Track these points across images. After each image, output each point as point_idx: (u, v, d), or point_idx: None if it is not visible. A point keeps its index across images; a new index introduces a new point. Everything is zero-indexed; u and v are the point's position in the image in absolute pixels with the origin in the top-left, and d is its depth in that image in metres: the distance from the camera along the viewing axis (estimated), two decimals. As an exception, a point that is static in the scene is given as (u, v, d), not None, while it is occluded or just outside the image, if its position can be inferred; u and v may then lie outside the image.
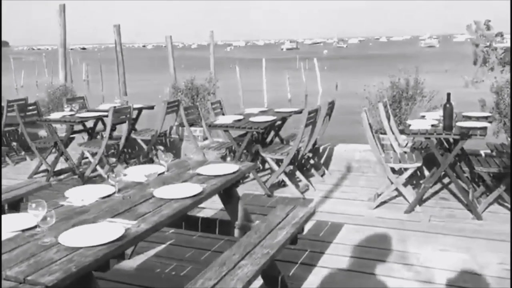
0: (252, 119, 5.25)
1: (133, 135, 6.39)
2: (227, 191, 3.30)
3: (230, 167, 3.26)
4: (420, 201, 4.62)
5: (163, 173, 3.26)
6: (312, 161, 5.94)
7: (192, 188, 2.83)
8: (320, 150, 6.13)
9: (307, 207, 3.49)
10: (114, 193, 2.82)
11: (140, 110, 6.62)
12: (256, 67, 24.27)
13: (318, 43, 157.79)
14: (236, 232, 3.30)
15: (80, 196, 2.76)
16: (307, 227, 4.21)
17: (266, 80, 24.03)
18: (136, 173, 3.17)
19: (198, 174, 3.18)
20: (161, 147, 6.64)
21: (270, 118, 5.29)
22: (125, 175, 3.22)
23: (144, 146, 6.37)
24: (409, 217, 4.41)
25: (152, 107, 6.72)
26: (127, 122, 5.75)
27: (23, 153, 7.01)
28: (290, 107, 6.11)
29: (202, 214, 4.37)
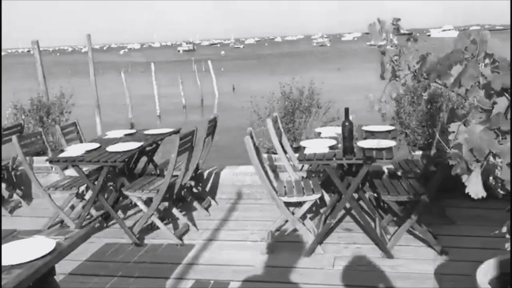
0: (110, 148, 4.09)
1: (-41, 173, 4.89)
2: (39, 284, 2.15)
3: (42, 246, 2.12)
4: (322, 237, 3.82)
5: None
6: (195, 190, 4.93)
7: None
8: (205, 176, 5.13)
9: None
10: None
11: (-30, 138, 5.11)
12: (150, 71, 22.71)
13: (215, 44, 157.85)
14: None
15: None
16: (183, 292, 3.21)
17: (160, 85, 22.53)
18: None
19: (-15, 265, 2.00)
20: (3, 184, 5.20)
21: (134, 145, 4.16)
22: None
23: (-24, 186, 4.89)
24: (309, 262, 3.57)
25: (-13, 134, 5.22)
26: None
27: None
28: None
29: None
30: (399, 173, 4.26)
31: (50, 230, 2.37)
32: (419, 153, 4.71)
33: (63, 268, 3.56)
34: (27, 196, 5.31)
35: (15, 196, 5.23)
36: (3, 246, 2.16)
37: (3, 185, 5.22)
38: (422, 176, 4.03)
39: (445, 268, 3.35)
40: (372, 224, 3.96)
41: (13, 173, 5.32)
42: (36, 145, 4.56)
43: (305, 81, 5.60)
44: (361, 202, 4.26)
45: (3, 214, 4.93)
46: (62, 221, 4.43)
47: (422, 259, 3.50)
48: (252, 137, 3.72)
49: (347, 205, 4.36)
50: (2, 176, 5.17)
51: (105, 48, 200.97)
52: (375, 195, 4.32)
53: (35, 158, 5.28)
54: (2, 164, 5.13)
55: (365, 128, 4.31)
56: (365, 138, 3.99)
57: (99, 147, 4.19)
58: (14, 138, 4.11)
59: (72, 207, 4.59)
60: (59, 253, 2.12)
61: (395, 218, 3.98)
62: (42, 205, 5.10)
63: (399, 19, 2.11)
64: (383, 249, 3.57)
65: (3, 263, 1.99)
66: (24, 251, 2.08)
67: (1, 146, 4.39)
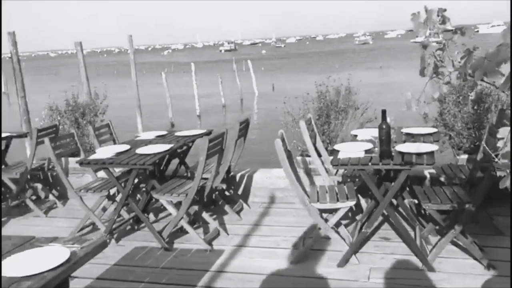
0: (139, 150, 4.03)
1: (-3, 174, 4.98)
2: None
3: (56, 256, 2.04)
4: (357, 246, 3.60)
5: None
6: (227, 193, 4.81)
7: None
8: (237, 179, 5.01)
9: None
10: None
11: (9, 139, 5.21)
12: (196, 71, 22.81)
13: (256, 43, 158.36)
14: None
15: None
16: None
17: (201, 85, 22.65)
18: None
19: (-3, 275, 1.94)
20: (39, 185, 5.27)
21: (163, 147, 4.08)
22: None
23: (13, 187, 4.96)
24: (343, 273, 3.37)
25: (25, 135, 5.32)
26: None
27: None
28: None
29: None
30: (442, 179, 3.97)
31: (68, 238, 2.29)
32: (464, 157, 4.39)
33: (91, 272, 3.53)
34: (63, 197, 5.36)
35: (51, 197, 5.29)
36: (18, 254, 2.10)
37: (39, 186, 5.30)
38: (468, 183, 3.74)
39: (492, 284, 3.07)
40: (412, 233, 3.71)
41: (49, 173, 5.38)
42: (70, 146, 4.57)
43: (344, 80, 5.38)
44: (400, 209, 4.01)
45: (38, 215, 4.98)
46: (93, 223, 4.42)
47: (467, 273, 3.22)
48: (283, 140, 3.55)
49: (385, 212, 4.13)
50: (37, 176, 5.24)
51: (149, 49, 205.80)
52: (416, 201, 4.06)
53: (70, 159, 5.33)
54: (39, 164, 5.20)
55: (405, 130, 4.05)
56: (404, 141, 3.74)
57: (130, 149, 4.13)
58: (46, 140, 4.12)
59: (104, 209, 4.57)
60: (72, 264, 2.03)
61: (437, 227, 3.71)
62: (77, 206, 5.13)
63: (445, 10, 1.88)
64: (424, 261, 3.32)
65: (14, 274, 1.92)
66: (37, 261, 2.00)
67: (0, 150, 4.34)
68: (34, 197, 5.33)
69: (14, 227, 4.75)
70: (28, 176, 5.01)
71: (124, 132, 8.65)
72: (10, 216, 5.00)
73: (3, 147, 5.26)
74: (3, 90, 36.44)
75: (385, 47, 77.60)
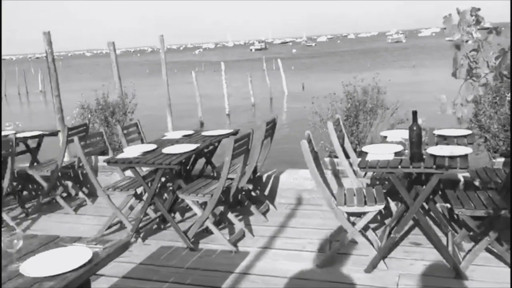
0: (166, 149, 4.03)
1: (29, 171, 5.09)
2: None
3: (79, 256, 2.05)
4: (385, 251, 3.50)
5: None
6: (253, 194, 4.77)
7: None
8: (264, 180, 4.96)
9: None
10: None
11: (41, 137, 5.32)
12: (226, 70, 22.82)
13: (287, 42, 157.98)
14: None
15: None
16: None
17: (231, 84, 22.69)
18: None
19: (20, 275, 1.96)
20: (69, 182, 5.36)
21: (189, 147, 4.07)
22: None
23: (44, 184, 5.06)
24: (370, 279, 3.27)
25: (56, 133, 5.42)
26: (9, 157, 4.44)
27: None
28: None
29: None
30: (476, 183, 3.81)
31: (91, 238, 2.29)
32: (500, 160, 4.20)
33: (116, 271, 3.55)
34: (92, 195, 5.44)
35: (80, 194, 5.38)
36: (42, 254, 2.11)
37: (70, 183, 5.39)
38: (504, 187, 3.57)
39: (530, 295, 2.92)
40: (444, 239, 3.57)
41: (79, 171, 5.47)
42: (99, 145, 4.62)
43: (372, 80, 5.24)
44: (431, 214, 3.88)
45: (68, 212, 5.07)
46: (121, 222, 4.45)
47: (501, 282, 3.08)
48: (309, 141, 3.48)
49: (415, 217, 4.00)
50: (68, 174, 5.33)
51: (181, 48, 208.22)
52: (448, 206, 3.91)
53: (99, 157, 5.40)
54: (70, 162, 5.29)
55: (437, 132, 3.90)
56: (436, 144, 3.60)
57: (156, 148, 4.14)
58: (75, 139, 4.17)
59: (131, 208, 4.60)
60: (94, 265, 2.03)
61: (470, 233, 3.56)
62: (106, 204, 5.19)
63: (478, 9, 1.78)
64: (456, 269, 3.18)
65: (37, 274, 1.93)
66: (60, 261, 2.01)
67: (1, 151, 4.36)
68: (64, 195, 5.42)
69: (45, 223, 4.85)
70: (59, 174, 5.11)
71: (154, 131, 8.73)
72: (41, 212, 5.11)
73: (35, 145, 5.39)
74: (39, 88, 37.64)
75: (418, 46, 75.97)
